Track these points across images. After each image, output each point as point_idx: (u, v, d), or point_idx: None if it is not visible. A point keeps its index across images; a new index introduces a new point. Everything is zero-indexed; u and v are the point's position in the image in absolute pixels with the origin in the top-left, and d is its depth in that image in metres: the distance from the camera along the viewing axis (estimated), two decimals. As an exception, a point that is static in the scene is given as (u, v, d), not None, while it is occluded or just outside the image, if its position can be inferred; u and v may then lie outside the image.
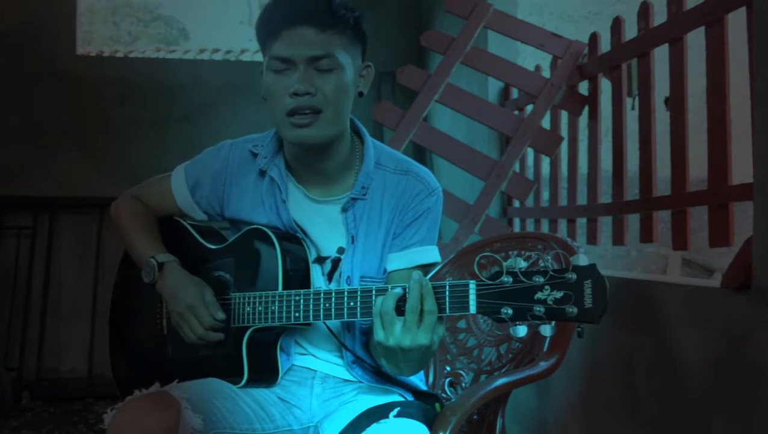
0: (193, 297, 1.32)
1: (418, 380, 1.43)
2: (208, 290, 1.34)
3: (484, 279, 1.07)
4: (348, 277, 1.34)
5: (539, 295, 1.03)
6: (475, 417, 1.54)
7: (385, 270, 1.37)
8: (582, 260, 1.02)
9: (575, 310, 1.01)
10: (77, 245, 4.32)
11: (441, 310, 1.11)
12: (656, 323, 1.78)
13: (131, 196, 1.53)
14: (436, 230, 1.40)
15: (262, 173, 1.39)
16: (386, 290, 1.15)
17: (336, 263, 1.37)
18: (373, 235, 1.36)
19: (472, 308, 1.09)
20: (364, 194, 1.35)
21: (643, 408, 1.82)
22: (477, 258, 1.18)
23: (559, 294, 1.02)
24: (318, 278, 1.36)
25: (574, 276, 1.01)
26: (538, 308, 1.03)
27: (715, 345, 1.56)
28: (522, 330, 1.06)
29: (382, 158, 1.39)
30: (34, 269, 4.24)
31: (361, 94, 1.35)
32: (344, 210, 1.36)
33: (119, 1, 14.56)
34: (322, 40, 1.24)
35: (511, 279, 1.05)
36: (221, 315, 1.31)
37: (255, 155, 1.41)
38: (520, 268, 1.05)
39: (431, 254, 1.38)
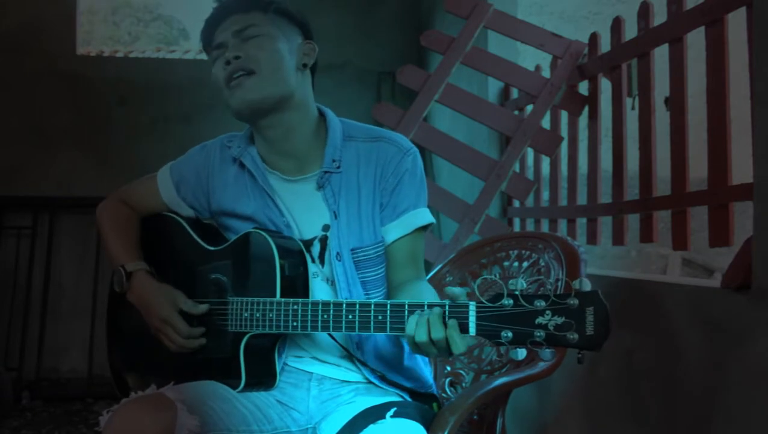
0: (166, 309, 1.33)
1: (427, 376, 1.44)
2: (180, 296, 1.35)
3: (484, 301, 1.06)
4: (338, 253, 1.35)
5: (540, 320, 1.02)
6: (475, 417, 1.54)
7: (381, 240, 1.37)
8: (585, 285, 1.01)
9: (576, 337, 1.00)
10: (77, 245, 4.32)
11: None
12: (656, 323, 1.78)
13: (116, 199, 1.54)
14: (424, 193, 1.41)
15: (238, 163, 1.42)
16: (385, 305, 1.14)
17: (324, 242, 1.37)
18: (355, 207, 1.36)
19: (472, 330, 1.08)
20: (338, 167, 1.36)
21: (643, 408, 1.82)
22: (478, 281, 1.17)
23: (560, 320, 1.01)
24: (309, 265, 1.35)
25: (576, 302, 1.00)
26: (538, 334, 1.02)
27: (715, 345, 1.56)
28: (522, 353, 1.05)
29: (352, 130, 1.42)
30: (34, 269, 4.24)
31: (305, 66, 1.39)
32: (320, 187, 1.36)
33: (119, 1, 14.57)
34: (245, 17, 1.35)
35: (511, 302, 1.04)
36: (203, 307, 1.33)
37: (229, 147, 1.44)
38: (521, 289, 1.04)
39: (425, 215, 1.39)
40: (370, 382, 1.37)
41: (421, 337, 1.09)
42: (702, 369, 1.60)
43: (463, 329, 1.08)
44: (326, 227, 1.37)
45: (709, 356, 1.58)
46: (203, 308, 1.34)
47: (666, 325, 1.74)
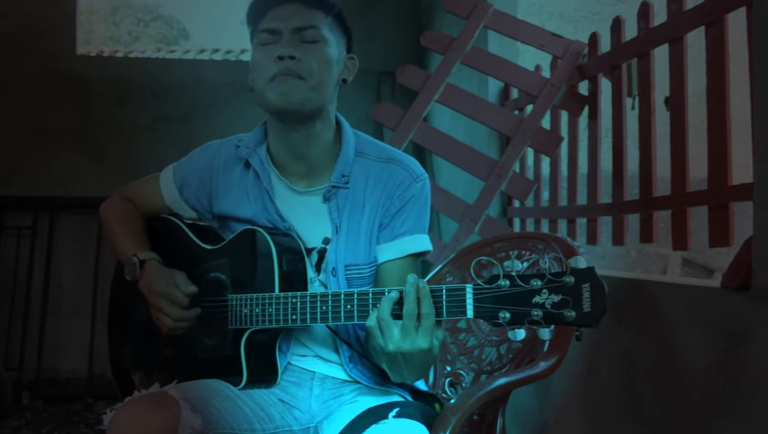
0: (164, 284, 1.33)
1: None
2: (179, 272, 1.36)
3: (480, 283, 1.07)
4: (333, 268, 1.34)
5: (537, 299, 1.02)
6: (475, 417, 1.54)
7: (375, 259, 1.36)
8: (580, 263, 1.01)
9: (573, 314, 1.00)
10: (77, 245, 4.32)
11: (438, 314, 1.10)
12: (656, 324, 1.78)
13: (120, 197, 1.54)
14: (426, 219, 1.40)
15: (245, 164, 1.41)
16: (383, 292, 1.15)
17: (322, 254, 1.37)
18: (357, 224, 1.36)
19: (470, 313, 1.08)
20: (346, 183, 1.36)
21: (643, 408, 1.82)
22: (473, 262, 1.18)
23: (557, 298, 1.01)
24: (308, 270, 1.36)
25: (572, 280, 1.01)
26: (536, 313, 1.02)
27: (715, 345, 1.56)
28: (520, 334, 1.05)
29: (365, 147, 1.40)
30: (34, 269, 4.24)
31: (345, 81, 1.39)
32: (326, 200, 1.36)
33: (119, 1, 14.60)
34: (307, 13, 1.31)
35: (508, 283, 1.04)
36: (192, 288, 1.33)
37: (238, 147, 1.43)
38: (517, 271, 1.04)
39: (422, 242, 1.38)
40: (370, 387, 1.38)
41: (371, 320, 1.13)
42: (702, 369, 1.60)
43: (461, 312, 1.09)
44: (326, 241, 1.37)
45: (709, 356, 1.58)
46: (192, 289, 1.33)
47: (666, 325, 1.74)
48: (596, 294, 1.00)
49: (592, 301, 1.00)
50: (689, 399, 1.64)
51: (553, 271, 1.02)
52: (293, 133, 1.35)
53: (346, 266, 1.35)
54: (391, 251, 1.36)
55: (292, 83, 1.28)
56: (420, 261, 1.43)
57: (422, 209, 1.38)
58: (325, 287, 1.37)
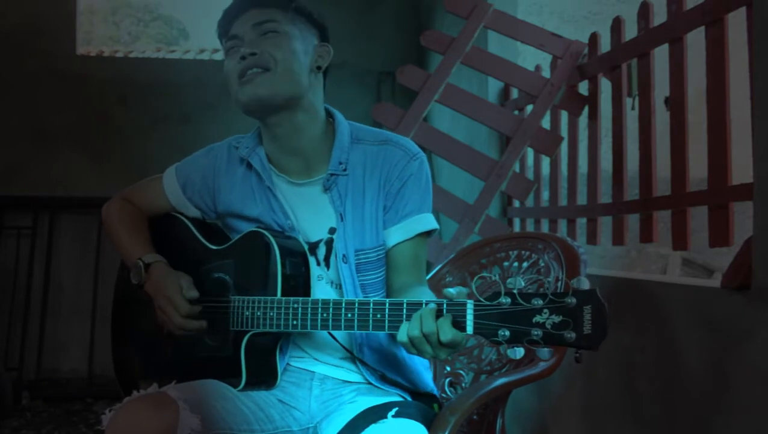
0: (171, 288, 1.33)
1: (426, 378, 1.44)
2: (185, 277, 1.36)
3: (482, 299, 1.06)
4: (344, 255, 1.35)
5: (537, 318, 1.01)
6: (475, 417, 1.54)
7: (382, 244, 1.36)
8: (583, 283, 1.01)
9: (573, 336, 0.99)
10: (77, 245, 4.32)
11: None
12: (656, 324, 1.78)
13: (122, 198, 1.55)
14: (429, 198, 1.41)
15: (245, 164, 1.42)
16: (384, 303, 1.15)
17: (329, 244, 1.37)
18: (360, 209, 1.36)
19: (470, 329, 1.08)
20: (344, 170, 1.36)
21: (643, 408, 1.82)
22: (474, 279, 1.17)
23: (557, 318, 1.00)
24: (314, 268, 1.36)
25: (574, 301, 1.00)
26: (535, 332, 1.01)
27: (715, 345, 1.56)
28: (519, 352, 1.04)
29: (360, 133, 1.41)
30: (34, 269, 4.24)
31: (319, 68, 1.40)
32: (326, 189, 1.36)
33: (119, 1, 14.60)
34: (263, 11, 1.35)
35: (509, 300, 1.04)
36: (193, 294, 1.33)
37: (237, 148, 1.44)
38: (519, 288, 1.04)
39: (428, 221, 1.39)
40: (370, 383, 1.38)
41: (414, 331, 1.09)
42: (702, 369, 1.60)
43: (460, 327, 1.08)
44: (332, 230, 1.37)
45: (709, 356, 1.58)
46: (194, 293, 1.34)
47: (666, 325, 1.74)
48: (598, 317, 0.99)
49: (593, 323, 0.99)
50: (689, 399, 1.64)
51: (555, 290, 1.02)
52: (278, 128, 1.36)
53: (356, 251, 1.35)
54: (399, 234, 1.37)
55: (257, 76, 1.30)
56: (427, 240, 1.43)
57: (424, 188, 1.39)
58: (335, 285, 1.37)
